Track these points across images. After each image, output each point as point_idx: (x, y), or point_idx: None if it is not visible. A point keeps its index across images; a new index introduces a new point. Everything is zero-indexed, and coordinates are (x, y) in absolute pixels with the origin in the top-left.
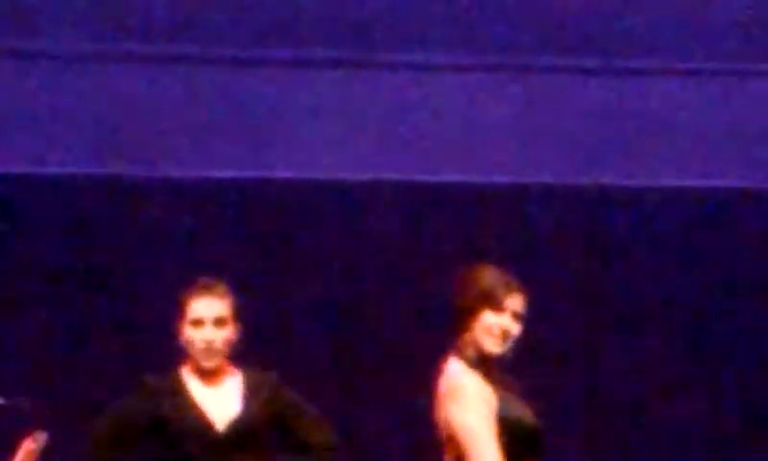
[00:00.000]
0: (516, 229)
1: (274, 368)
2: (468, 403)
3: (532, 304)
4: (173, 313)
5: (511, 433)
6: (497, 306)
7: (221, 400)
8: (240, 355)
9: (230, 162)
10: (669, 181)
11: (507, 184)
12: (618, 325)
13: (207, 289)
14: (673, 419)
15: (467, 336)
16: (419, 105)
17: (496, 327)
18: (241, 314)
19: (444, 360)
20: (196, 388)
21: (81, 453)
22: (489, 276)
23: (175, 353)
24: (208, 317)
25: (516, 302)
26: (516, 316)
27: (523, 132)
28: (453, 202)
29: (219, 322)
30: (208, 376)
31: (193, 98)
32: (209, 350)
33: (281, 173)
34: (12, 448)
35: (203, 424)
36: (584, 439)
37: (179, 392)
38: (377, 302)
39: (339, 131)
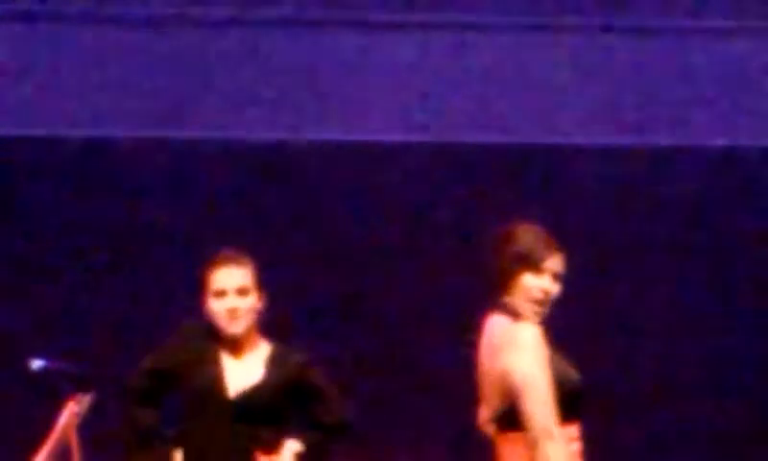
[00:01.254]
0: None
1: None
2: (530, 352)
3: None
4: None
5: (557, 392)
6: (537, 268)
7: (242, 371)
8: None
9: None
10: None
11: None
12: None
13: (228, 260)
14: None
15: (506, 298)
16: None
17: (537, 289)
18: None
19: (487, 318)
20: (223, 355)
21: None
22: (527, 236)
23: None
24: (231, 287)
25: (555, 262)
26: (555, 277)
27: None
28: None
29: (241, 291)
30: (235, 347)
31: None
32: (233, 318)
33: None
34: (57, 410)
35: (216, 388)
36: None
37: (207, 349)
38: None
39: (388, 93)
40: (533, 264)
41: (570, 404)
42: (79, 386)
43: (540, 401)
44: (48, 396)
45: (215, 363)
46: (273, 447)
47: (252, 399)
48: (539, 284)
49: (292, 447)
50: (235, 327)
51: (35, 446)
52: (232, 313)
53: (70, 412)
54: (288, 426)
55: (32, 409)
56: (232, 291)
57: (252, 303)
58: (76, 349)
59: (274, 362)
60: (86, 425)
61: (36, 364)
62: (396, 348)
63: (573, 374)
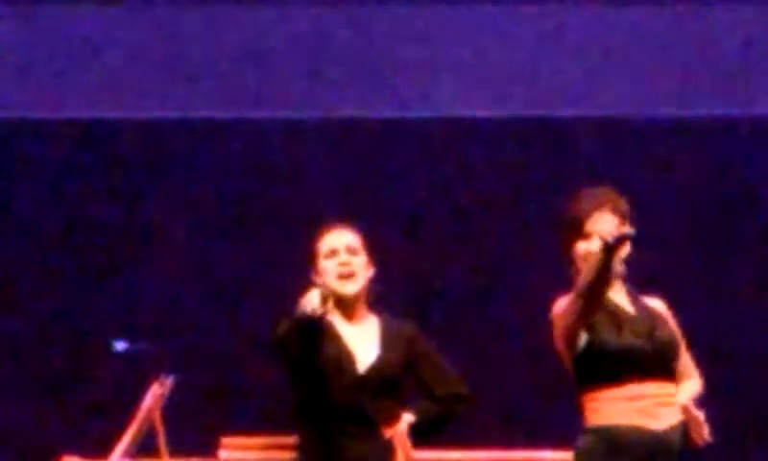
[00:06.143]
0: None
1: None
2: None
3: None
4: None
5: (596, 355)
6: (582, 233)
7: (362, 342)
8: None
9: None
10: None
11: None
12: None
13: (337, 223)
14: None
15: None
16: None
17: (588, 254)
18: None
19: None
20: (340, 323)
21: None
22: (574, 203)
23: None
24: (342, 245)
25: (597, 221)
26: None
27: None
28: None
29: (352, 250)
30: (348, 314)
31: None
32: (346, 275)
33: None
34: (140, 392)
35: (346, 361)
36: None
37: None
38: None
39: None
40: (578, 230)
41: (623, 366)
42: (162, 367)
43: None
44: (133, 378)
45: (337, 334)
46: (394, 420)
47: (378, 372)
48: (587, 248)
49: (407, 418)
50: (349, 287)
51: (120, 428)
52: (345, 268)
53: (154, 393)
54: (404, 399)
55: (116, 391)
56: (344, 249)
57: (363, 262)
58: None
59: (388, 335)
60: (171, 406)
61: (120, 345)
62: None
63: (630, 338)
